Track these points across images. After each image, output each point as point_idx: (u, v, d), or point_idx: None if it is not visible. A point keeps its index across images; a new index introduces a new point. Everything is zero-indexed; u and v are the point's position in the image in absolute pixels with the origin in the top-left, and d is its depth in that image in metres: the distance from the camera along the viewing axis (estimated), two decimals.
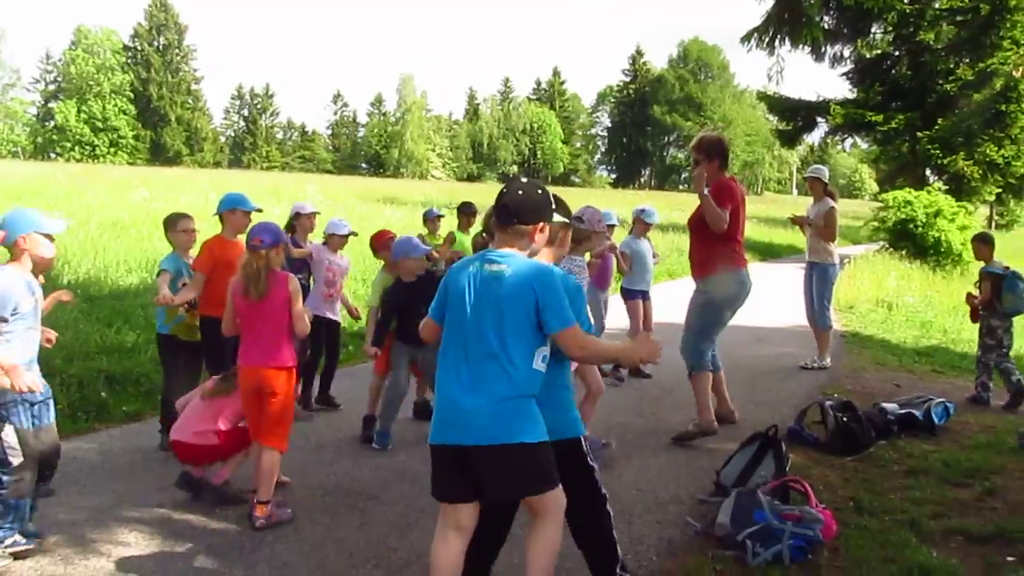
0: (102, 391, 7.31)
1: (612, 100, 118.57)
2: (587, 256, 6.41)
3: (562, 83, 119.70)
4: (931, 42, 29.05)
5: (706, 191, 6.32)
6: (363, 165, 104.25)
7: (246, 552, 4.42)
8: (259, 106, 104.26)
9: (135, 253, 13.72)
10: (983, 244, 8.47)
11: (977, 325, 8.45)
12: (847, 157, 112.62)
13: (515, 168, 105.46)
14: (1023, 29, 26.99)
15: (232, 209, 6.20)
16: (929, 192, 25.28)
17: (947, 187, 28.22)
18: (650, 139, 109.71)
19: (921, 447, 6.53)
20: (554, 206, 3.51)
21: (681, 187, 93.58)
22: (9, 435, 4.15)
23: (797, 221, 10.03)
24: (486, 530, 3.53)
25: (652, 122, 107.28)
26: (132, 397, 7.43)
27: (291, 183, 39.14)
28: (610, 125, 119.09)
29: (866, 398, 7.91)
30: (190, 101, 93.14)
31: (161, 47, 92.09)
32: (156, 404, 6.38)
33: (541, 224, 3.42)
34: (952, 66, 29.10)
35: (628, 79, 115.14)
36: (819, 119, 32.44)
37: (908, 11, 28.49)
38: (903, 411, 7.01)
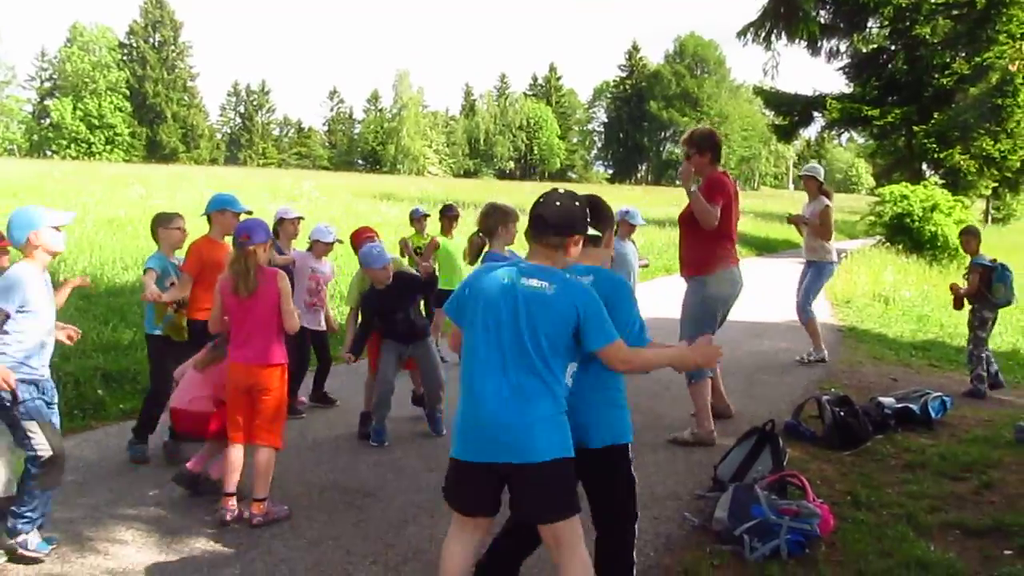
0: (99, 389, 7.29)
1: (608, 96, 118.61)
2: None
3: (558, 79, 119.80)
4: (927, 36, 29.04)
5: (694, 188, 6.20)
6: (359, 161, 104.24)
7: (243, 549, 4.41)
8: (255, 103, 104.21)
9: (131, 251, 13.70)
10: (972, 237, 8.63)
11: (967, 318, 8.58)
12: (844, 151, 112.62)
13: (511, 164, 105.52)
14: (1019, 23, 27.02)
15: (221, 210, 6.00)
16: (925, 186, 25.28)
17: (943, 181, 28.27)
18: (646, 134, 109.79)
19: (918, 441, 6.54)
20: (589, 217, 3.37)
21: (678, 183, 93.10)
22: (35, 431, 4.13)
23: (794, 220, 10.03)
24: (517, 536, 3.49)
25: (648, 117, 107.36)
26: (129, 395, 7.40)
27: (287, 180, 39.07)
28: (606, 121, 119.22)
29: (863, 392, 7.92)
30: (186, 98, 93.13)
31: (157, 44, 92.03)
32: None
33: (576, 236, 3.30)
34: (948, 60, 29.14)
35: (624, 74, 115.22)
36: (815, 114, 32.49)
37: (904, 5, 28.51)
38: (900, 405, 7.02)
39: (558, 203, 3.27)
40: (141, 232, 15.43)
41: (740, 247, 13.43)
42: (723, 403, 7.08)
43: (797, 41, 28.65)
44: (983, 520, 4.84)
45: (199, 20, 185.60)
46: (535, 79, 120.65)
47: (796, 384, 8.57)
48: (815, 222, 9.47)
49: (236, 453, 4.84)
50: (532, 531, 3.36)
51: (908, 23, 29.04)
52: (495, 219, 5.50)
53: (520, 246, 14.90)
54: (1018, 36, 27.10)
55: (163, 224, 6.03)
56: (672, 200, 37.67)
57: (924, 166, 30.44)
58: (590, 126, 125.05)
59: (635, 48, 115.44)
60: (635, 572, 3.60)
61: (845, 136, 45.22)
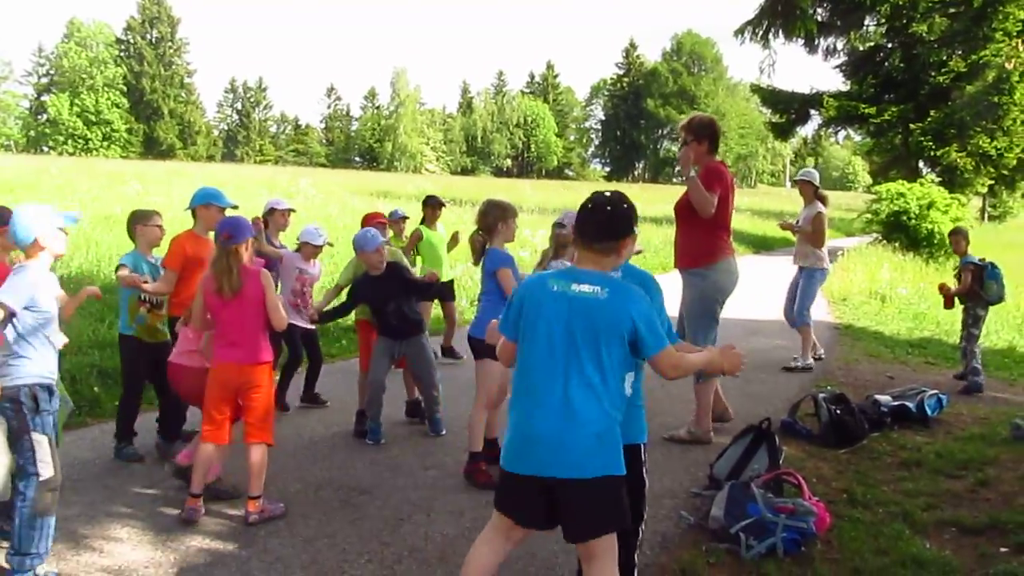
0: (94, 386, 7.27)
1: (606, 93, 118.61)
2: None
3: (555, 76, 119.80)
4: (924, 34, 29.08)
5: (693, 173, 6.11)
6: (357, 159, 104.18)
7: (239, 547, 4.40)
8: (252, 99, 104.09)
9: (128, 247, 13.42)
10: (961, 237, 8.85)
11: (961, 317, 8.78)
12: (840, 149, 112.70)
13: (509, 162, 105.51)
14: (1015, 21, 27.03)
15: (206, 204, 5.85)
16: (922, 184, 25.30)
17: (940, 179, 28.30)
18: (643, 132, 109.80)
19: (914, 439, 6.55)
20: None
21: (675, 180, 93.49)
22: (42, 446, 3.90)
23: (786, 227, 10.03)
24: None
25: (646, 115, 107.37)
26: None
27: (284, 177, 39.03)
28: (604, 118, 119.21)
29: (859, 390, 7.93)
30: (183, 95, 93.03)
31: (154, 40, 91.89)
32: (150, 398, 6.30)
33: (629, 239, 3.23)
34: (945, 58, 29.20)
35: (622, 72, 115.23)
36: (812, 111, 32.53)
37: (901, 3, 28.54)
38: (896, 403, 7.03)
39: (609, 207, 3.16)
40: None
41: (737, 244, 13.41)
42: (722, 406, 6.93)
43: (794, 39, 28.59)
44: (979, 518, 4.85)
45: (196, 16, 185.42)
46: (532, 77, 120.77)
47: (792, 382, 8.58)
48: (807, 228, 9.40)
49: (207, 451, 4.79)
50: None
51: (905, 21, 29.08)
52: (494, 216, 5.50)
53: (519, 244, 14.82)
54: (1014, 34, 27.14)
55: (141, 221, 5.89)
56: (669, 198, 37.45)
57: (921, 164, 30.47)
58: (587, 124, 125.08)
59: (632, 46, 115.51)
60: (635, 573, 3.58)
61: (842, 134, 45.29)
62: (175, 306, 5.77)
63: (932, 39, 29.34)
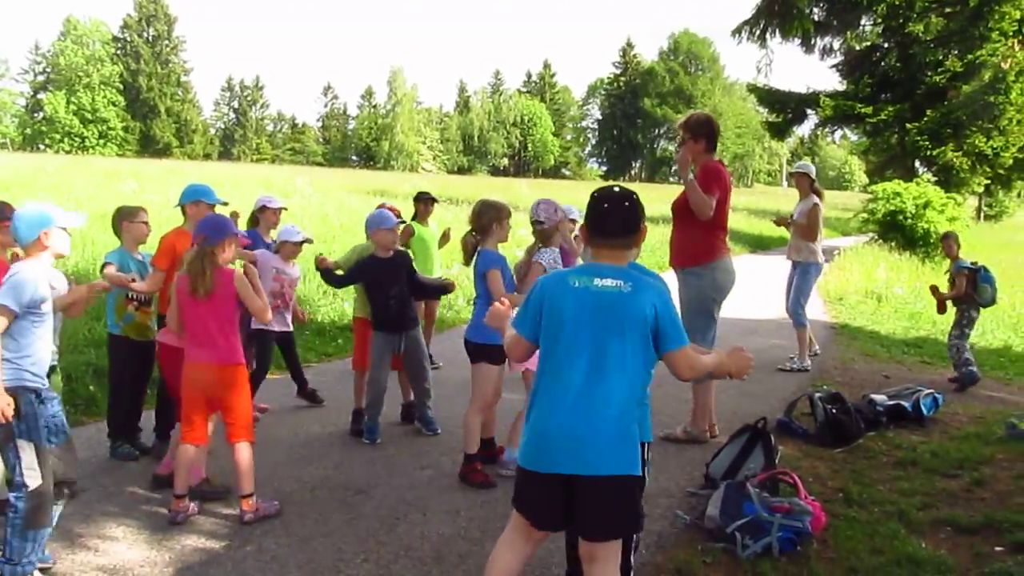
0: (90, 384, 7.25)
1: (602, 92, 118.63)
2: None
3: (552, 75, 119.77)
4: (920, 34, 29.06)
5: (691, 176, 6.08)
6: (353, 157, 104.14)
7: (234, 546, 4.40)
8: (249, 98, 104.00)
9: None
10: (953, 241, 9.03)
11: (952, 318, 8.94)
12: (837, 149, 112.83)
13: (505, 161, 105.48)
14: (1011, 21, 27.05)
15: (195, 201, 5.79)
16: (918, 183, 25.34)
17: (936, 178, 28.33)
18: (640, 131, 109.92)
19: (910, 438, 6.55)
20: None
21: (672, 179, 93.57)
22: (27, 453, 3.79)
23: (780, 222, 10.02)
24: None
25: (642, 114, 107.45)
26: None
27: (281, 175, 38.94)
28: (600, 118, 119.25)
29: (855, 389, 7.93)
30: (180, 93, 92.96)
31: (151, 38, 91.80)
32: (152, 398, 6.27)
33: (641, 233, 3.20)
34: (941, 58, 29.18)
35: (618, 71, 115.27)
36: (809, 111, 32.47)
37: (897, 3, 28.51)
38: (892, 402, 7.04)
39: (627, 203, 3.15)
40: None
41: (733, 244, 13.42)
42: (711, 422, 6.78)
43: (791, 39, 28.71)
44: (975, 517, 4.85)
45: (193, 15, 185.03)
46: (529, 76, 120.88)
47: (788, 381, 8.58)
48: (802, 222, 9.39)
49: (187, 453, 4.77)
50: None
51: (901, 20, 29.06)
52: (489, 217, 5.46)
53: (515, 244, 14.79)
54: (1010, 34, 27.20)
55: (127, 218, 5.79)
56: (666, 197, 37.33)
57: (917, 163, 30.47)
58: (584, 123, 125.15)
59: (629, 45, 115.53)
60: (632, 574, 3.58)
61: (838, 133, 45.18)
62: (165, 303, 5.67)
63: (928, 39, 29.32)
